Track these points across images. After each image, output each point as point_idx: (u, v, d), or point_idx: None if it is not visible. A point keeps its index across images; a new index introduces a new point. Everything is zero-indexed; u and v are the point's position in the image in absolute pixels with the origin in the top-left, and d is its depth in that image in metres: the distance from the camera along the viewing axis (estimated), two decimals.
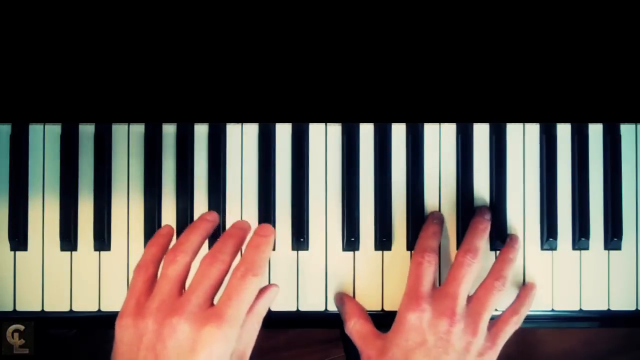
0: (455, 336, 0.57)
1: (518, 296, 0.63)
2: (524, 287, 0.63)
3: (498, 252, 0.63)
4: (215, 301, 0.53)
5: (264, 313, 0.56)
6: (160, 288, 0.52)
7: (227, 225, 0.63)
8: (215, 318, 0.50)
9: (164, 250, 0.56)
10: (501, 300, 0.61)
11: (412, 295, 0.59)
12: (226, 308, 0.51)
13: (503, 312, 0.62)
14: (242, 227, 0.57)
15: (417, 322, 0.57)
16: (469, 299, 0.60)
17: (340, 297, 0.63)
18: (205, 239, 0.57)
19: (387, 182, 0.64)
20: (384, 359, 0.58)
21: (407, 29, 0.63)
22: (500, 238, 0.63)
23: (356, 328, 0.61)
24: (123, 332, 0.52)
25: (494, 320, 0.61)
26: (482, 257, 0.61)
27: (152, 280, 0.54)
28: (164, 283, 0.53)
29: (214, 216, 0.59)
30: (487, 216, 0.63)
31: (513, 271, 0.62)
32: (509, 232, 0.64)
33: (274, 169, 0.64)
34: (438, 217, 0.63)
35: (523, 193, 0.64)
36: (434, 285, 0.60)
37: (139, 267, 0.55)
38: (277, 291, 0.57)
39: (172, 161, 0.63)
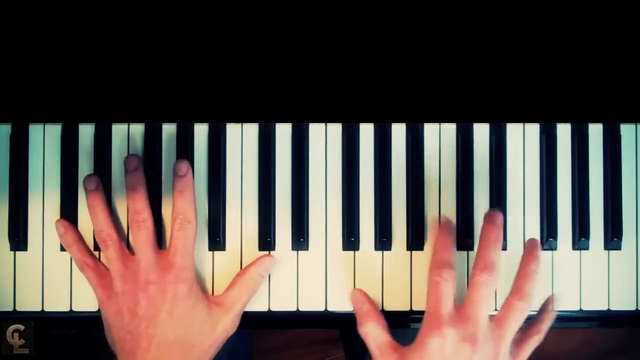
0: (478, 359, 0.56)
1: (540, 313, 0.61)
2: (545, 303, 0.62)
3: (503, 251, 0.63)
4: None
5: (257, 278, 0.61)
6: (115, 268, 0.60)
7: (227, 225, 0.63)
8: (170, 268, 0.58)
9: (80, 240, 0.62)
10: (524, 319, 0.58)
11: (432, 319, 0.57)
12: (175, 258, 0.59)
13: (525, 331, 0.60)
14: (134, 173, 0.61)
15: (438, 347, 0.56)
16: (491, 318, 0.58)
17: (360, 296, 0.62)
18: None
19: (387, 182, 0.63)
20: None
21: (407, 29, 0.63)
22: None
23: (373, 334, 0.60)
24: (107, 313, 0.60)
25: (516, 338, 0.59)
26: (499, 271, 0.58)
27: (99, 267, 0.61)
28: (112, 264, 0.60)
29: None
30: (498, 221, 0.60)
31: (536, 284, 0.59)
32: (508, 232, 0.64)
33: (274, 169, 0.64)
34: (451, 227, 0.61)
35: (523, 193, 0.64)
36: (454, 304, 0.58)
37: (82, 266, 0.61)
38: (270, 261, 0.62)
39: (172, 161, 0.63)
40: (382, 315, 0.61)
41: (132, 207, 0.60)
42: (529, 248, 0.61)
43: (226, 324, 0.60)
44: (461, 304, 0.58)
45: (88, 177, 0.62)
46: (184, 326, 0.58)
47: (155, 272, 0.58)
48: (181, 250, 0.59)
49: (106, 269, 0.61)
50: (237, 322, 0.61)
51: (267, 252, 0.63)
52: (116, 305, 0.59)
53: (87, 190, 0.61)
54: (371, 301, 0.62)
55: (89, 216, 0.61)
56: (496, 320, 0.58)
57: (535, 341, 0.60)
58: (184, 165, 0.60)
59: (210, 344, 0.60)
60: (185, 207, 0.60)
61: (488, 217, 0.60)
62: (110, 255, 0.60)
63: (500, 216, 0.60)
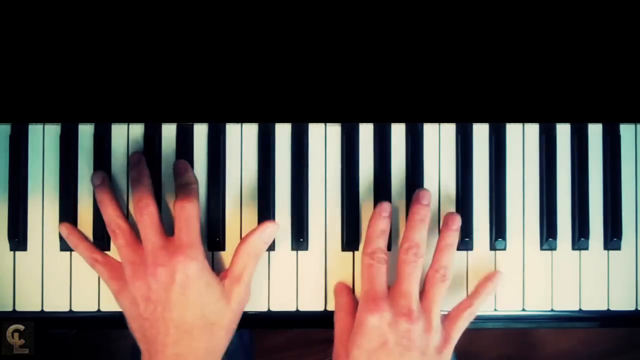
0: (416, 333, 0.57)
1: (476, 286, 0.62)
2: (484, 278, 0.63)
3: (498, 252, 0.63)
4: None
5: (261, 244, 0.61)
6: (125, 255, 0.60)
7: (227, 226, 0.63)
8: (177, 249, 0.58)
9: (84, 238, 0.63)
10: (445, 289, 0.60)
11: (369, 298, 0.59)
12: (180, 238, 0.59)
13: (457, 305, 0.61)
14: (137, 167, 0.61)
15: (377, 323, 0.57)
16: (420, 294, 0.60)
17: (337, 289, 0.63)
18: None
19: (386, 183, 0.64)
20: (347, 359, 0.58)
21: (406, 29, 0.63)
22: (501, 237, 0.63)
23: (337, 323, 0.61)
24: (123, 303, 0.60)
25: (448, 313, 0.61)
26: (426, 249, 0.60)
27: (108, 262, 0.61)
28: (122, 252, 0.60)
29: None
30: (425, 200, 0.61)
31: (454, 257, 0.61)
32: (508, 231, 0.64)
33: (273, 169, 0.64)
34: (387, 209, 0.62)
35: (523, 193, 0.64)
36: (387, 285, 0.60)
37: (92, 262, 0.61)
38: (273, 226, 0.62)
39: (172, 161, 0.63)
40: (355, 305, 0.61)
41: (134, 196, 0.61)
42: (447, 222, 0.62)
43: (240, 295, 0.60)
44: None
45: (94, 173, 0.62)
46: (199, 305, 0.58)
47: (163, 254, 0.58)
48: (185, 229, 0.59)
49: (116, 262, 0.61)
50: (249, 292, 0.61)
51: (269, 251, 0.63)
52: (130, 294, 0.59)
53: (94, 186, 0.62)
54: (344, 293, 0.62)
55: (100, 211, 0.61)
56: (422, 294, 0.60)
57: (467, 314, 0.61)
58: (181, 163, 0.62)
59: (230, 318, 0.59)
60: (186, 190, 0.60)
61: (415, 197, 0.62)
62: (119, 243, 0.60)
63: (428, 196, 0.61)
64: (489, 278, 0.62)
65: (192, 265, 0.58)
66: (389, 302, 0.58)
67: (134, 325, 0.59)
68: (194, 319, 0.58)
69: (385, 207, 0.62)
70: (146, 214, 0.60)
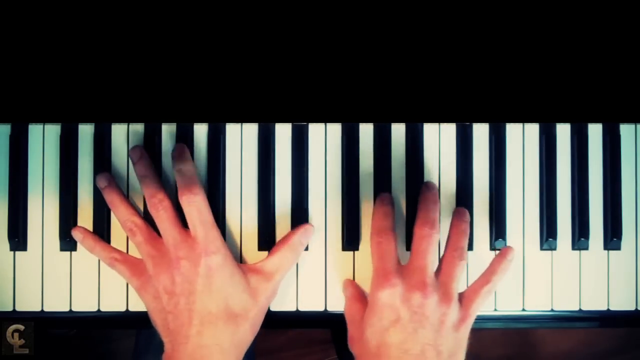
0: (430, 308, 0.57)
1: (491, 264, 0.61)
2: (499, 254, 0.62)
3: (498, 252, 0.63)
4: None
5: (299, 246, 0.62)
6: (145, 251, 0.60)
7: (227, 225, 0.63)
8: (197, 242, 0.58)
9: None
10: (462, 271, 0.60)
11: (380, 274, 0.58)
12: (197, 233, 0.59)
13: (474, 282, 0.61)
14: (142, 162, 0.61)
15: (389, 299, 0.57)
16: (435, 273, 0.59)
17: (345, 283, 0.63)
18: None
19: (386, 183, 0.64)
20: (361, 341, 0.58)
21: (406, 29, 0.63)
22: (501, 237, 0.63)
23: (347, 311, 0.61)
24: (146, 298, 0.60)
25: (464, 292, 0.60)
26: (439, 227, 0.61)
27: (128, 260, 0.61)
28: (142, 248, 0.60)
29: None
30: (434, 189, 0.62)
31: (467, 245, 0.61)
32: (508, 231, 0.64)
33: (273, 169, 0.64)
34: (387, 198, 0.62)
35: (523, 193, 0.64)
36: (399, 262, 0.60)
37: (111, 262, 0.61)
38: (312, 229, 0.62)
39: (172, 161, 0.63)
40: (363, 293, 0.62)
41: (146, 192, 0.61)
42: (460, 213, 0.62)
43: (267, 291, 0.60)
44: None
45: (99, 175, 0.62)
46: (223, 297, 0.58)
47: (184, 247, 0.58)
48: (199, 224, 0.59)
49: (135, 258, 0.61)
50: (277, 290, 0.61)
51: (266, 251, 0.63)
52: (153, 289, 0.59)
53: (101, 189, 0.62)
54: (351, 284, 0.62)
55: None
56: (440, 271, 0.60)
57: (485, 292, 0.60)
58: (182, 149, 0.62)
59: (256, 312, 0.59)
60: (188, 182, 0.60)
61: (425, 184, 0.63)
62: (137, 240, 0.60)
63: (434, 186, 0.62)
64: (503, 254, 0.61)
65: (214, 257, 0.58)
66: (400, 277, 0.58)
67: (157, 319, 0.59)
68: (218, 310, 0.57)
69: (386, 196, 0.62)
70: (162, 208, 0.60)
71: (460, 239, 0.61)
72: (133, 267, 0.60)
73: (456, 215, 0.62)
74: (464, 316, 0.58)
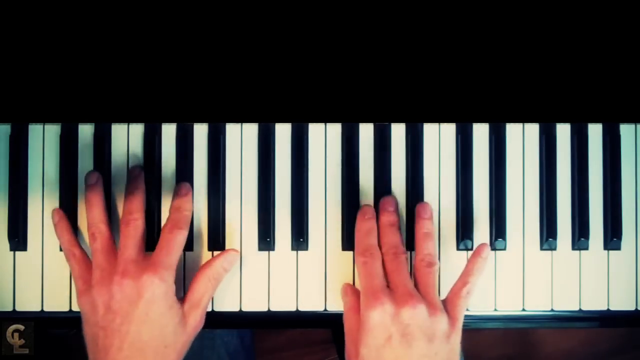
0: (420, 318, 0.57)
1: (466, 264, 0.61)
2: (473, 253, 0.61)
3: (498, 251, 0.63)
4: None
5: (220, 270, 0.61)
6: (97, 260, 0.60)
7: (227, 225, 0.63)
8: (151, 266, 0.58)
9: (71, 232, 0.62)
10: (436, 274, 0.60)
11: (368, 293, 0.58)
12: (159, 257, 0.59)
13: (453, 287, 0.60)
14: (136, 182, 0.62)
15: (380, 318, 0.57)
16: (415, 286, 0.59)
17: (343, 289, 0.62)
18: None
19: (386, 182, 0.64)
20: (358, 359, 0.58)
21: (406, 29, 0.63)
22: (501, 237, 0.63)
23: (346, 322, 0.60)
24: (84, 307, 0.59)
25: (445, 298, 0.60)
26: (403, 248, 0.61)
27: (84, 260, 0.61)
28: (96, 256, 0.60)
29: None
30: (391, 207, 0.63)
31: (436, 243, 0.62)
32: (508, 231, 0.64)
33: (273, 169, 0.64)
34: (369, 211, 0.62)
35: (523, 193, 0.64)
36: (386, 279, 0.60)
37: (69, 255, 0.61)
38: (235, 255, 0.63)
39: (172, 161, 0.63)
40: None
41: (126, 207, 0.61)
42: (419, 212, 0.62)
43: (196, 319, 0.60)
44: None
45: (89, 172, 0.62)
46: (159, 326, 0.57)
47: (134, 268, 0.58)
48: (166, 250, 0.59)
49: (91, 263, 0.60)
50: (204, 316, 0.61)
51: (264, 251, 0.63)
52: (92, 299, 0.58)
53: (86, 185, 0.62)
54: (352, 292, 0.62)
55: (86, 210, 0.61)
56: (416, 285, 0.60)
57: (465, 293, 0.60)
58: (185, 188, 0.62)
59: (183, 343, 0.59)
60: (180, 217, 0.61)
61: (382, 203, 0.63)
62: (95, 247, 0.60)
63: (394, 203, 0.63)
64: (476, 253, 0.61)
65: (162, 285, 0.58)
66: (388, 294, 0.58)
67: (88, 331, 0.59)
68: (150, 338, 0.57)
69: (367, 210, 0.62)
70: (132, 226, 0.60)
71: (423, 244, 0.61)
72: (84, 270, 0.60)
73: (417, 215, 0.62)
74: (452, 322, 0.59)
